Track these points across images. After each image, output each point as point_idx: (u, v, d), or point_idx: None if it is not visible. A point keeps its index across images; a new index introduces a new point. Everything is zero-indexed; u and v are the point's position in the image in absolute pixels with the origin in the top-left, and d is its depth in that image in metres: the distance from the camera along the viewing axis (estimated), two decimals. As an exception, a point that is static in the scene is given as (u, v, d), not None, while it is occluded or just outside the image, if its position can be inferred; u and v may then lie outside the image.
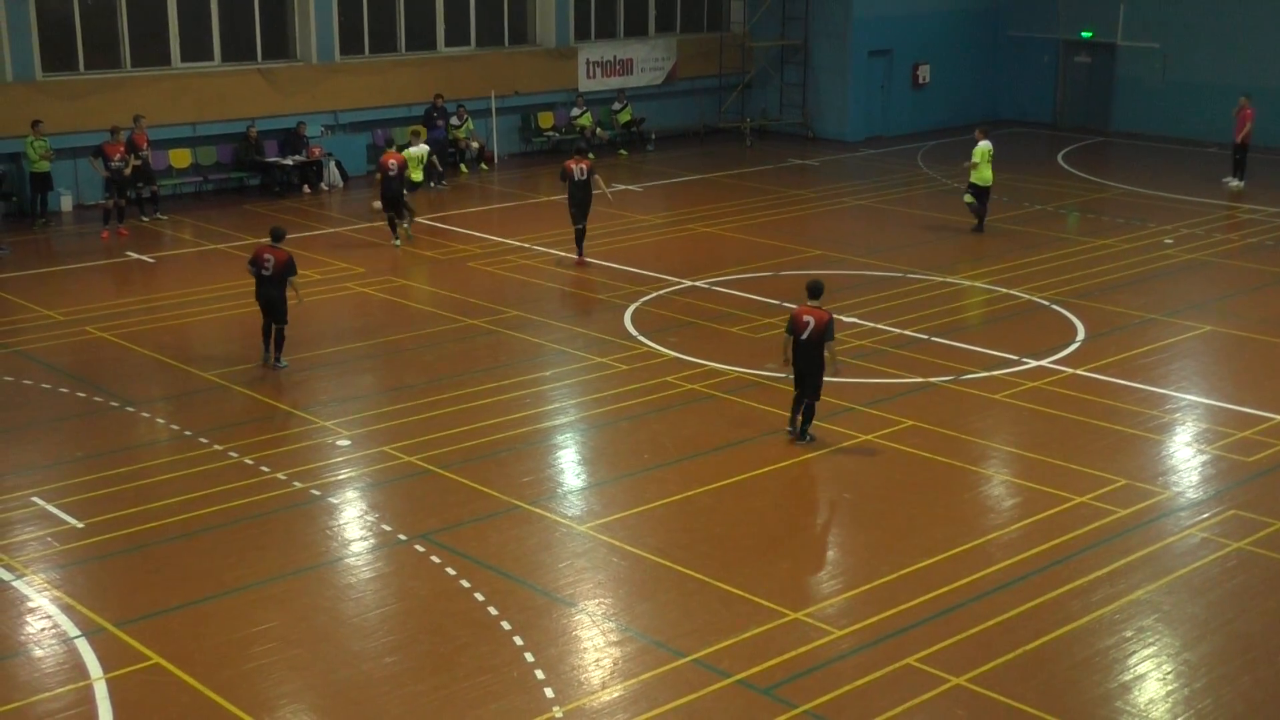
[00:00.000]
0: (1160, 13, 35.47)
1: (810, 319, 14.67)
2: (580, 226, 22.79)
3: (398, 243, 24.00)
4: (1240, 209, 27.56)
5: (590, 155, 24.37)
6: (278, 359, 17.52)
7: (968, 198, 25.26)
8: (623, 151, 33.68)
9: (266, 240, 17.84)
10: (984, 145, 24.68)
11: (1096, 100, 37.39)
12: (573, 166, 22.49)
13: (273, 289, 17.25)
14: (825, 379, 14.95)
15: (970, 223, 25.35)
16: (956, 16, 37.56)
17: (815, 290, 14.89)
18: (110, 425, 15.73)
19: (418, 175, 25.87)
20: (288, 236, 18.04)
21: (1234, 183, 29.56)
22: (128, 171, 24.89)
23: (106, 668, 10.58)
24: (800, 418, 15.08)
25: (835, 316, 14.49)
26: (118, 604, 11.60)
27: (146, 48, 27.81)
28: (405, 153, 25.03)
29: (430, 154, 27.34)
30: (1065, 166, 32.36)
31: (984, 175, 24.86)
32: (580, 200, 22.60)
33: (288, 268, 17.21)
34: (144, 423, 15.88)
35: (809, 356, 14.74)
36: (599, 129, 33.56)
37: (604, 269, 22.52)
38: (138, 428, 15.77)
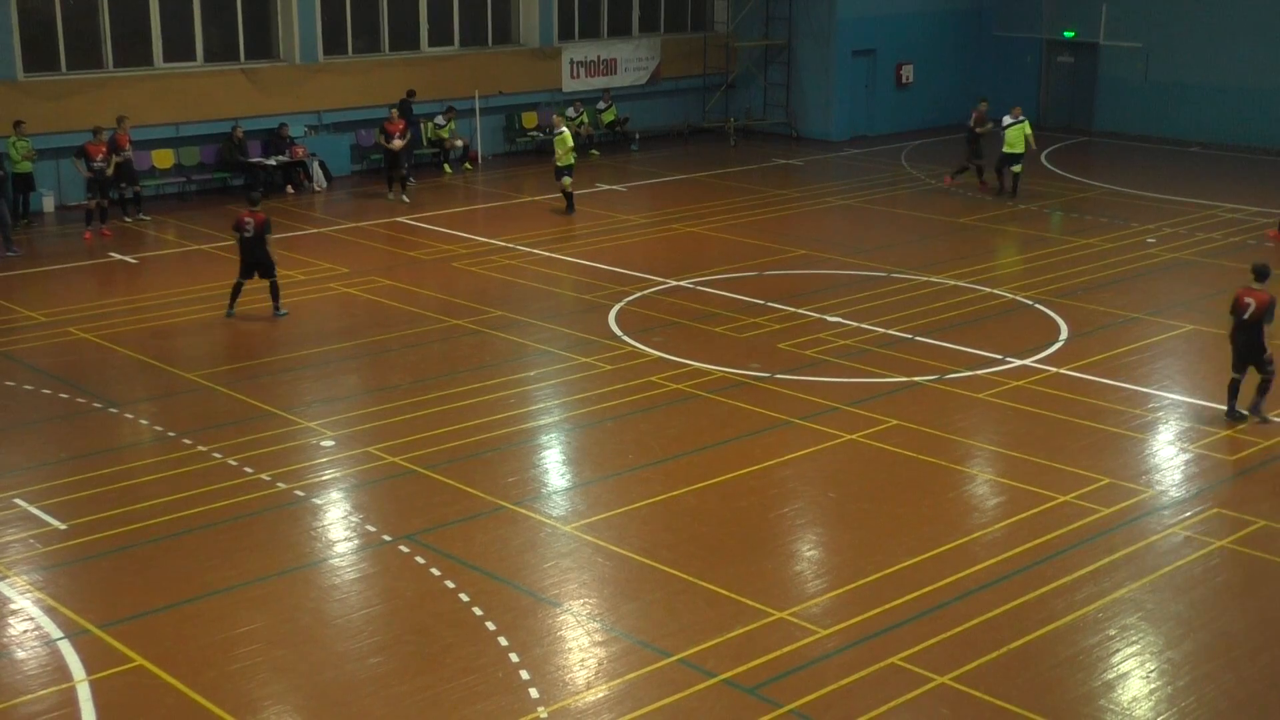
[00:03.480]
0: (1142, 12, 35.60)
1: (1251, 300, 15.16)
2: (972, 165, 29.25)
3: (401, 198, 27.86)
4: (1221, 208, 27.63)
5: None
6: (277, 308, 19.71)
7: (1016, 168, 28.37)
8: (594, 152, 33.58)
9: (246, 206, 19.92)
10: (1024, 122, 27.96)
11: (1079, 100, 37.49)
12: None
13: (257, 248, 19.46)
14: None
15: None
16: (940, 16, 37.62)
17: (1261, 273, 15.35)
18: (93, 426, 15.68)
19: (569, 159, 26.39)
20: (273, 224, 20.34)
21: None
22: (110, 172, 24.82)
23: (90, 670, 10.55)
24: (1235, 400, 15.54)
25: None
26: (101, 606, 11.56)
27: (129, 48, 27.73)
28: (557, 137, 26.58)
29: (463, 139, 31.15)
30: (1048, 166, 32.43)
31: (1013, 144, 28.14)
32: (973, 141, 29.02)
33: (265, 227, 19.50)
34: (127, 424, 15.83)
35: (1248, 337, 15.19)
36: (582, 124, 33.52)
37: (588, 269, 22.52)
38: (121, 429, 15.72)
